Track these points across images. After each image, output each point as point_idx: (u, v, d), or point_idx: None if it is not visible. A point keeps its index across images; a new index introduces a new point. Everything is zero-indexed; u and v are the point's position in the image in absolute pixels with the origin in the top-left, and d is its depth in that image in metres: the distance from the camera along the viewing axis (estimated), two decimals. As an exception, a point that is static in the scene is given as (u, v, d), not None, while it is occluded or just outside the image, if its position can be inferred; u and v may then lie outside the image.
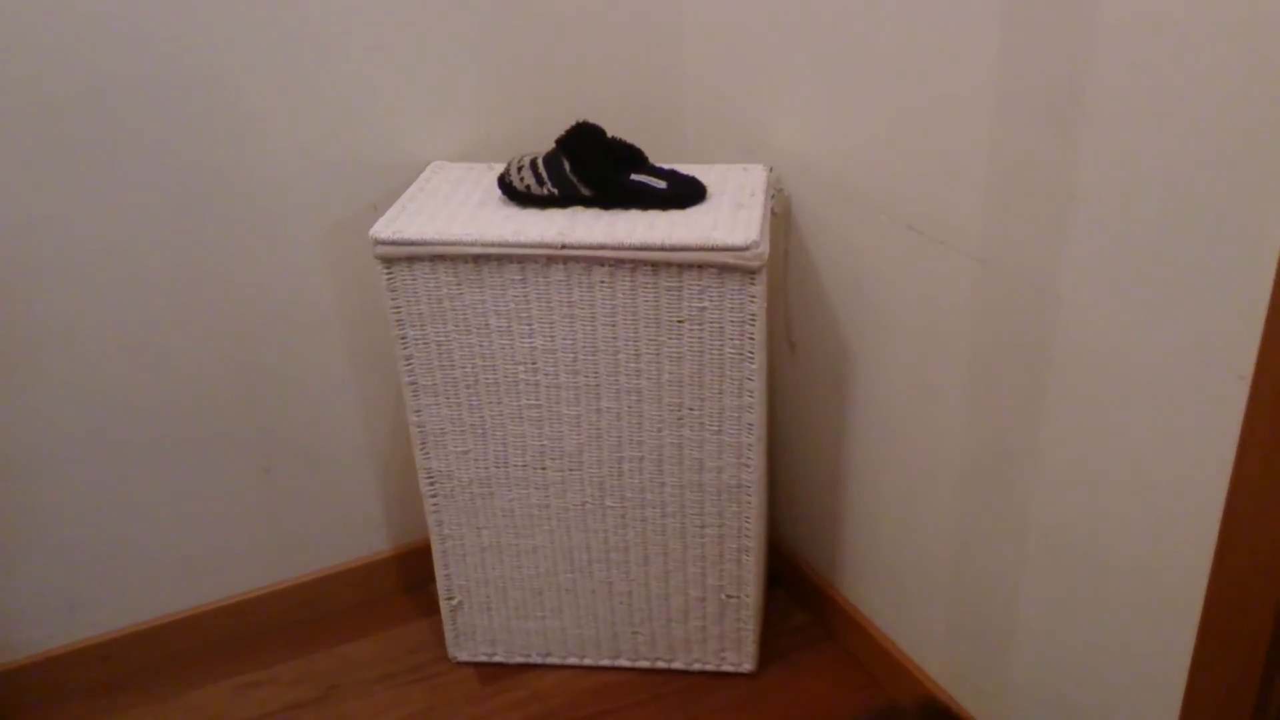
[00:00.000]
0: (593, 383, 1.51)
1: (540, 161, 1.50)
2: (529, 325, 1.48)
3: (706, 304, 1.43)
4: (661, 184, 1.49)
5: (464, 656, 1.78)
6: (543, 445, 1.57)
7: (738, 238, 1.39)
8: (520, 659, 1.77)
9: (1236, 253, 0.99)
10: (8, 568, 1.66)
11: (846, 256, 1.55)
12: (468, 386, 1.54)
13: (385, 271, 1.46)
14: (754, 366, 1.47)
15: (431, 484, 1.63)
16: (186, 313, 1.62)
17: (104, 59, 1.44)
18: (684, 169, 1.54)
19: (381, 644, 1.85)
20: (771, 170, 1.62)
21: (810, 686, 1.73)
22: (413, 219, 1.47)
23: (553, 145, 1.51)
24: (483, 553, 1.68)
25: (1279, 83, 0.91)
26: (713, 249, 1.39)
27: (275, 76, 1.54)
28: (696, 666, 1.75)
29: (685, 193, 1.49)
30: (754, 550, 1.62)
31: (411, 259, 1.45)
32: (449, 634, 1.77)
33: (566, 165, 1.48)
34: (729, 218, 1.45)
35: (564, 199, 1.49)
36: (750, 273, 1.40)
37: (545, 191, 1.49)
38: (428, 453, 1.60)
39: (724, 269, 1.40)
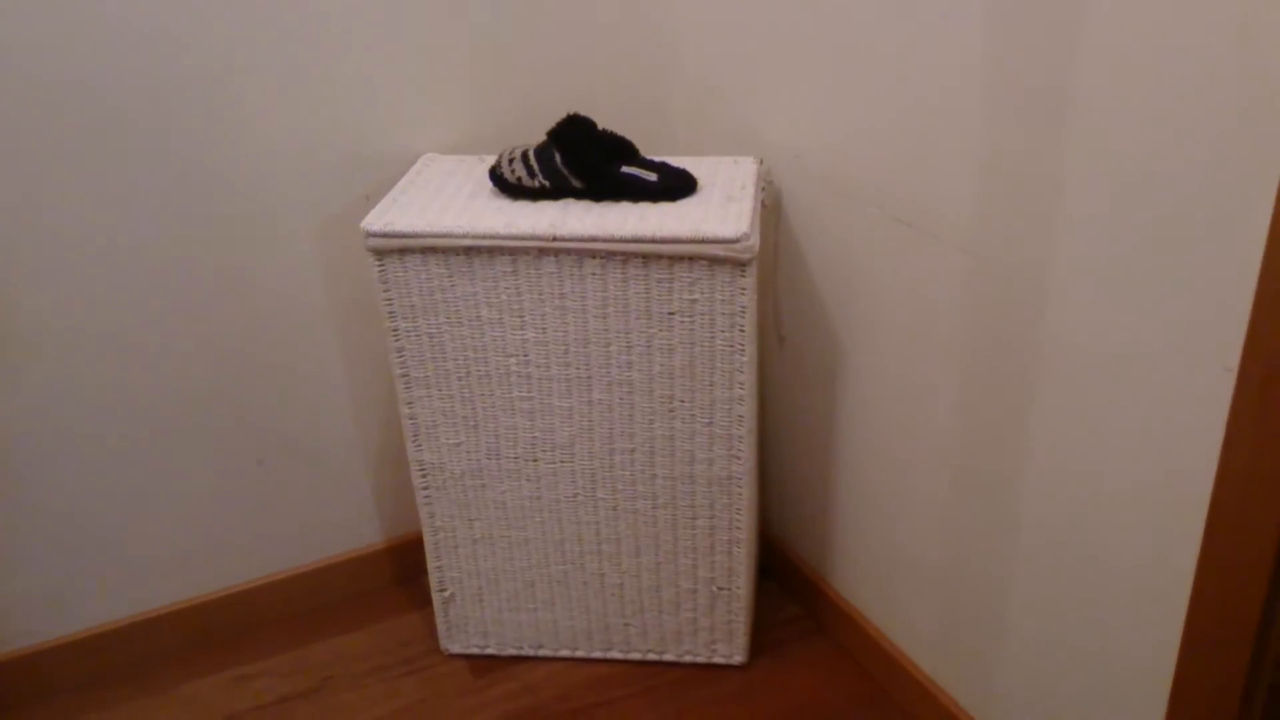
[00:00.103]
0: (584, 375, 1.51)
1: (531, 154, 1.50)
2: (520, 317, 1.48)
3: (697, 296, 1.43)
4: (652, 176, 1.49)
5: (456, 649, 1.79)
6: (534, 437, 1.58)
7: (728, 230, 1.39)
8: (512, 651, 1.78)
9: (1223, 246, 0.99)
10: (-1, 560, 1.67)
11: (837, 250, 1.55)
12: (459, 378, 1.54)
13: (377, 263, 1.47)
14: (744, 359, 1.47)
15: (423, 476, 1.63)
16: (177, 304, 1.62)
17: (97, 52, 1.44)
18: (675, 161, 1.54)
19: (374, 636, 1.85)
20: (762, 163, 1.62)
21: (801, 679, 1.73)
22: (404, 211, 1.47)
23: (544, 137, 1.51)
24: (474, 545, 1.68)
25: (1266, 78, 0.91)
26: (703, 241, 1.39)
27: (268, 69, 1.54)
28: (688, 658, 1.75)
29: (676, 185, 1.49)
30: (745, 542, 1.62)
31: (403, 251, 1.45)
32: (441, 626, 1.77)
33: (558, 157, 1.48)
34: (719, 210, 1.45)
35: (555, 191, 1.49)
36: (741, 265, 1.40)
37: (536, 183, 1.49)
38: (420, 445, 1.60)
39: (714, 261, 1.41)
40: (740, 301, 1.43)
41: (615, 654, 1.76)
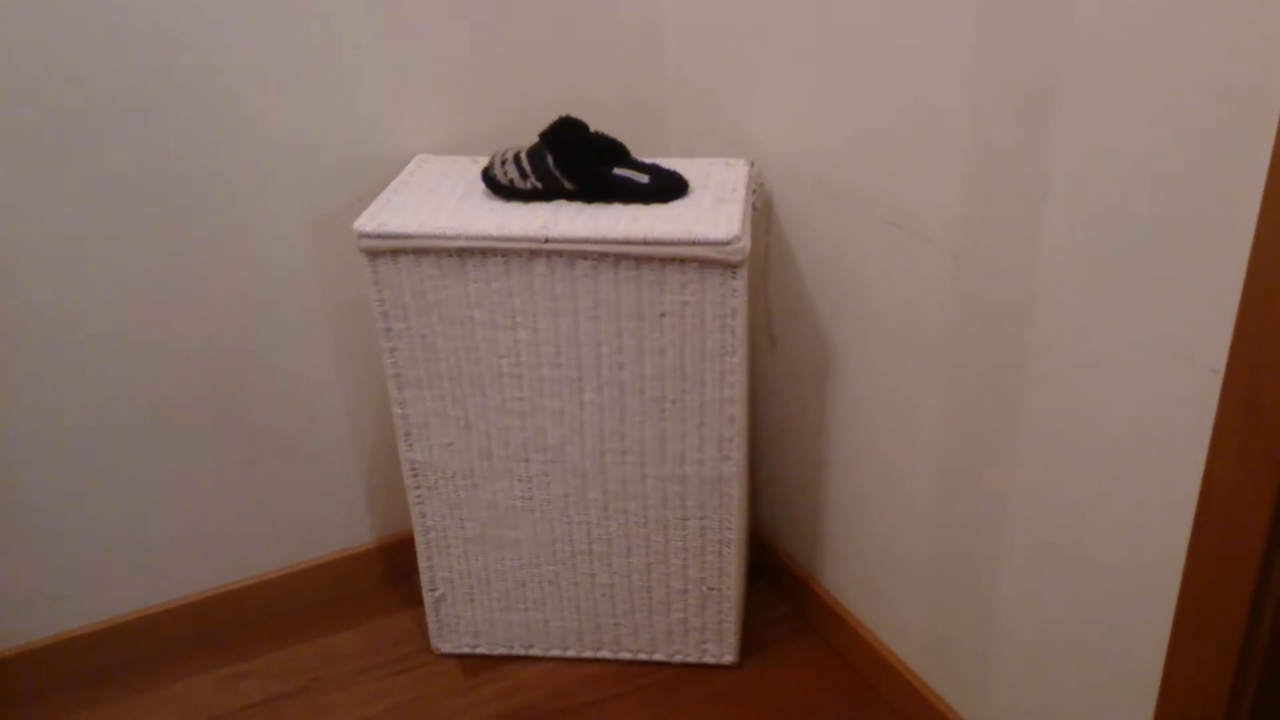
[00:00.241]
0: (575, 376, 1.52)
1: (524, 155, 1.51)
2: (512, 318, 1.49)
3: (688, 298, 1.44)
4: (644, 178, 1.50)
5: (447, 648, 1.79)
6: (526, 438, 1.58)
7: (719, 232, 1.40)
8: (503, 650, 1.78)
9: (1210, 248, 1.00)
10: (-10, 559, 1.67)
11: (827, 252, 1.56)
12: (451, 379, 1.54)
13: (369, 264, 1.47)
14: (735, 360, 1.48)
15: (415, 476, 1.63)
16: (170, 304, 1.62)
17: (91, 50, 1.44)
18: (666, 164, 1.55)
19: (365, 635, 1.85)
20: (753, 165, 1.63)
21: (791, 678, 1.74)
22: (397, 212, 1.47)
23: (536, 139, 1.51)
24: (466, 544, 1.69)
25: (1254, 79, 0.92)
26: (694, 243, 1.40)
27: (261, 69, 1.54)
28: (678, 658, 1.76)
29: (667, 187, 1.50)
30: (735, 543, 1.63)
31: (396, 252, 1.45)
32: (432, 625, 1.77)
33: (550, 159, 1.49)
34: (711, 212, 1.45)
35: (547, 193, 1.50)
36: (732, 267, 1.41)
37: (529, 185, 1.49)
38: (411, 445, 1.61)
39: (706, 263, 1.41)
40: (731, 303, 1.44)
41: (606, 654, 1.77)
